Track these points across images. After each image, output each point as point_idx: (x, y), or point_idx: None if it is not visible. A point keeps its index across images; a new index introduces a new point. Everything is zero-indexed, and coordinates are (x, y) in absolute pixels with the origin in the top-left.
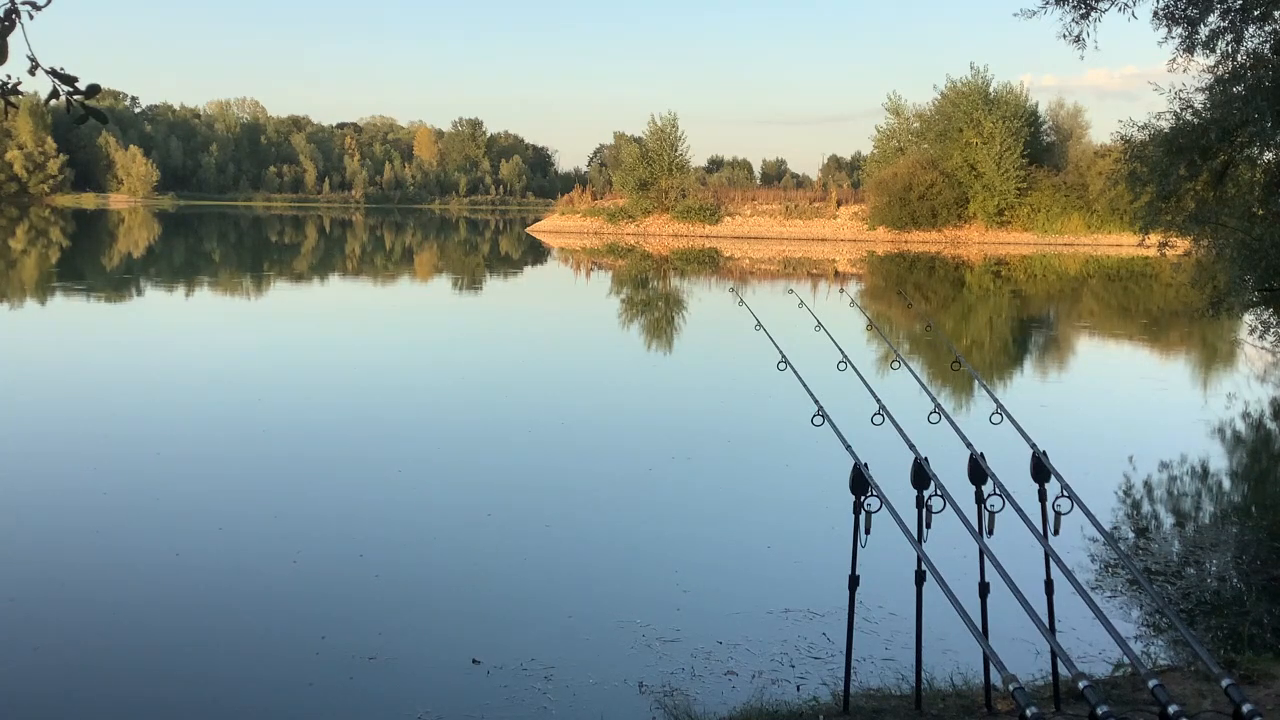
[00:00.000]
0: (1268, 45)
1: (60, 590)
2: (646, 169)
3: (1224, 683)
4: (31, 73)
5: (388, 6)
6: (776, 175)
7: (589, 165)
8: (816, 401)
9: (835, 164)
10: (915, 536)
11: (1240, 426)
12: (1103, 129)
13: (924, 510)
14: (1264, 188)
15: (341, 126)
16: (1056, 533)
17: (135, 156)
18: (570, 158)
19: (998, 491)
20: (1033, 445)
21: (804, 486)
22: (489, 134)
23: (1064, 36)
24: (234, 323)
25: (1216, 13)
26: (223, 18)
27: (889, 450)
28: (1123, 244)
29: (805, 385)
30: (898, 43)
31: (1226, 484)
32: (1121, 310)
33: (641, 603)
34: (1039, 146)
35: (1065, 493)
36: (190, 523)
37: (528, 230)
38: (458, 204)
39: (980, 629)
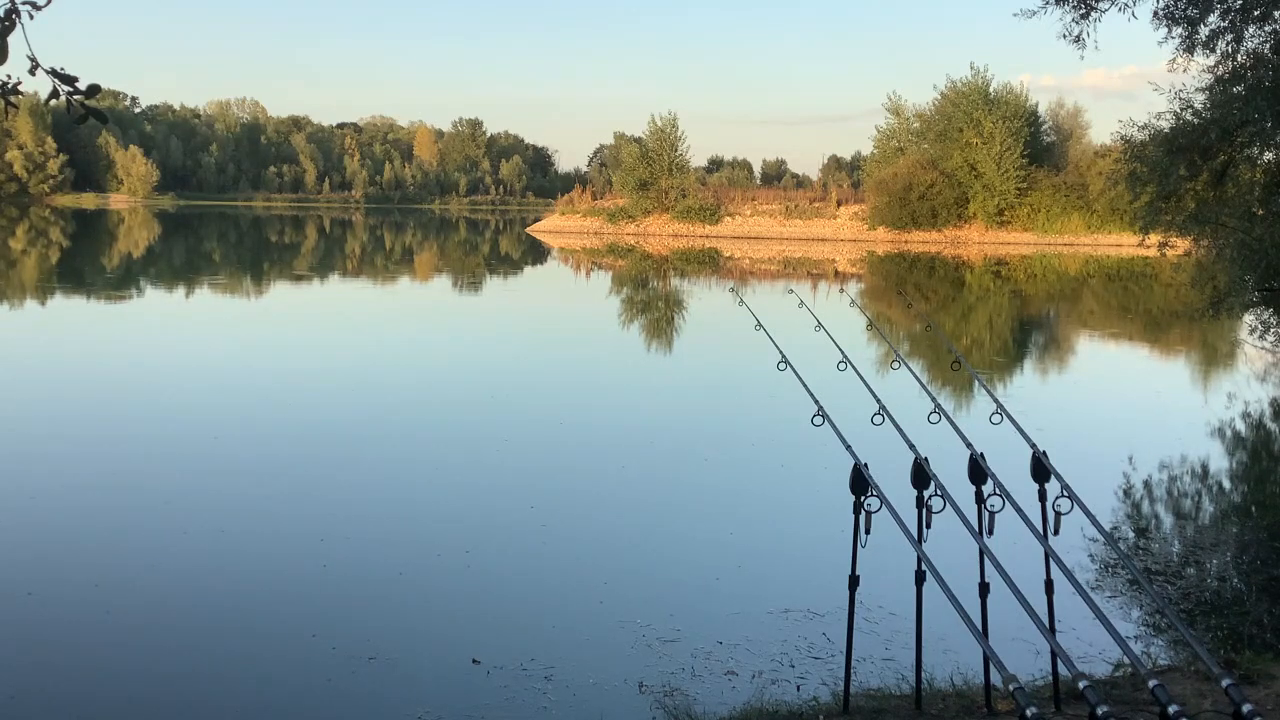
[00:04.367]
0: (1268, 45)
1: (63, 589)
2: (646, 169)
3: (1224, 683)
4: (31, 73)
5: (388, 6)
6: (776, 175)
7: (589, 165)
8: (816, 401)
9: (835, 164)
10: (915, 536)
11: (1240, 426)
12: (1102, 129)
13: (924, 510)
14: (1264, 188)
15: (341, 126)
16: (1056, 533)
17: (135, 156)
18: (570, 158)
19: (998, 491)
20: (1033, 445)
21: (804, 486)
22: (489, 134)
23: (1064, 36)
24: (236, 324)
25: (1216, 13)
26: (223, 18)
27: (889, 450)
28: (1123, 244)
29: (805, 385)
30: (898, 43)
31: (1226, 484)
32: (1121, 310)
33: (641, 603)
34: (1039, 146)
35: (1065, 493)
36: (188, 523)
37: (528, 230)
38: (458, 204)
39: (980, 629)
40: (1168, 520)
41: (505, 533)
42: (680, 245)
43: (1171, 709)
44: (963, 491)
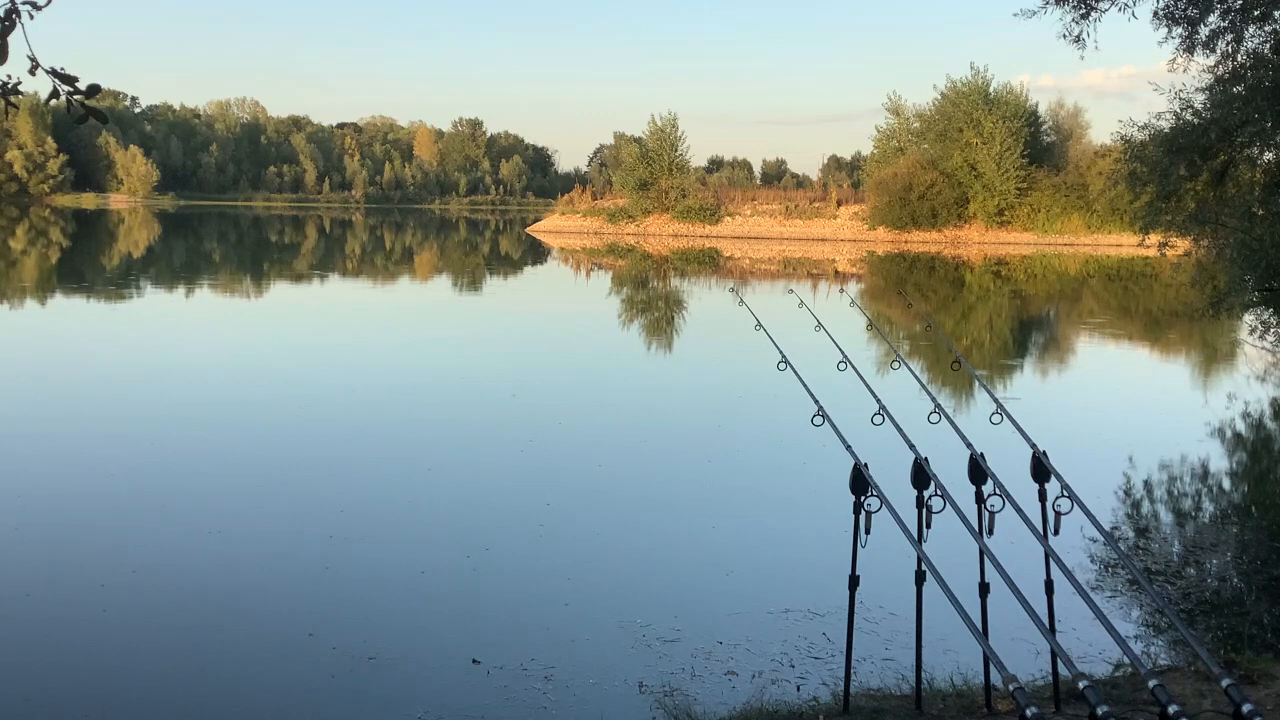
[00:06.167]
0: (1268, 45)
1: (63, 589)
2: (646, 169)
3: (1224, 683)
4: (32, 73)
5: (388, 6)
6: (776, 175)
7: (589, 165)
8: (816, 401)
9: (835, 164)
10: (915, 536)
11: (1240, 426)
12: (1102, 129)
13: (924, 510)
14: (1264, 188)
15: (341, 126)
16: (1056, 533)
17: (135, 156)
18: (570, 158)
19: (998, 491)
20: (1033, 445)
21: (804, 486)
22: (489, 134)
23: (1064, 36)
24: (236, 324)
25: (1216, 13)
26: (223, 18)
27: (889, 450)
28: (1123, 244)
29: (805, 385)
30: (898, 43)
31: (1226, 484)
32: (1121, 310)
33: (641, 603)
34: (1039, 146)
35: (1065, 493)
36: (189, 524)
37: (528, 230)
38: (458, 204)
39: (980, 629)
40: (1168, 520)
41: (505, 533)
42: (680, 245)
43: (1171, 709)
44: (963, 491)
